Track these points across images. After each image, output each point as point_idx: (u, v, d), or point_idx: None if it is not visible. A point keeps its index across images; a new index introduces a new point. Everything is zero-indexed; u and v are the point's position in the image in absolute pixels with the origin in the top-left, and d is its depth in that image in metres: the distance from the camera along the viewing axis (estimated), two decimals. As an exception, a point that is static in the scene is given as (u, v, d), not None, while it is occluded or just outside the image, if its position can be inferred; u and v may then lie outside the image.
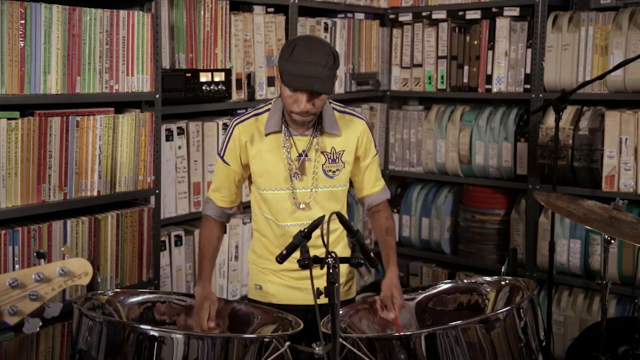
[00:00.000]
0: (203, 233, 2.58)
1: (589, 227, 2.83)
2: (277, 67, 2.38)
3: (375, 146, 2.59)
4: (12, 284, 1.58)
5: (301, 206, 2.46)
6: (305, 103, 2.30)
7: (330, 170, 2.48)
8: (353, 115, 2.53)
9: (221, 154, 2.52)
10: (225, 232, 2.68)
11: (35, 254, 1.65)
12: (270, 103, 2.49)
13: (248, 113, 2.52)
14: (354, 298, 2.70)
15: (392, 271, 2.51)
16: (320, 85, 2.28)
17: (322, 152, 2.47)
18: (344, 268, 2.59)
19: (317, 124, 2.45)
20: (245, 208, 3.68)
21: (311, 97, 2.31)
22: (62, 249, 1.60)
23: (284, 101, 2.36)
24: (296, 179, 2.45)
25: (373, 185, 2.61)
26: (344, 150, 2.49)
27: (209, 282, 2.49)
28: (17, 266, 1.67)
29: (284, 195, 2.47)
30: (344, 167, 2.50)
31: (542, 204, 3.09)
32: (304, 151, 2.45)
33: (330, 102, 2.50)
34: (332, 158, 2.48)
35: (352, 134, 2.50)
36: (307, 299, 2.47)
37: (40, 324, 1.63)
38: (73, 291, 2.87)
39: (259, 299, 2.59)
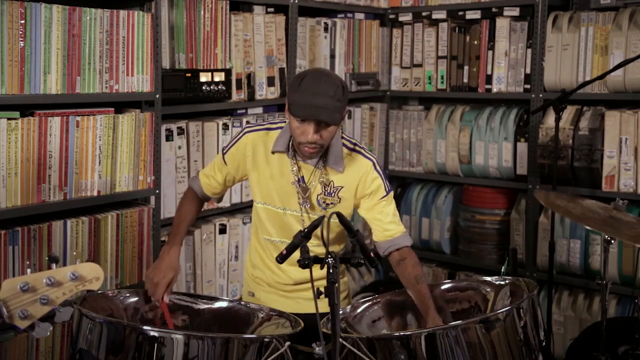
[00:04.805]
0: (185, 202, 2.64)
1: (587, 227, 2.83)
2: (286, 99, 2.38)
3: (387, 189, 2.49)
4: (24, 287, 1.58)
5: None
6: (313, 134, 2.28)
7: (324, 202, 2.47)
8: (360, 153, 2.48)
9: (224, 152, 2.55)
10: (203, 206, 2.74)
11: (47, 258, 1.66)
12: (285, 122, 2.49)
13: (262, 124, 2.53)
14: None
15: (432, 321, 2.35)
16: (327, 116, 2.26)
17: (321, 184, 2.46)
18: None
19: (322, 156, 2.44)
20: (244, 208, 3.69)
21: (318, 127, 2.28)
22: (74, 253, 1.63)
23: (292, 132, 2.35)
24: (305, 206, 2.46)
25: (385, 229, 2.49)
26: (342, 187, 2.46)
27: (180, 245, 2.55)
28: (28, 270, 1.67)
29: (286, 215, 2.49)
30: (339, 202, 2.47)
31: (542, 203, 3.09)
32: (302, 177, 2.45)
33: (342, 137, 2.48)
34: (328, 191, 2.46)
35: (355, 173, 2.46)
36: (298, 307, 2.52)
37: (51, 328, 1.63)
38: (73, 291, 2.87)
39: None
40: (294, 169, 2.44)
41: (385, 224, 2.49)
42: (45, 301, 1.60)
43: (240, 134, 2.52)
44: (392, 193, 2.53)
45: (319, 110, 2.25)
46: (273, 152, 2.45)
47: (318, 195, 2.46)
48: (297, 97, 2.28)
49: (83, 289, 1.64)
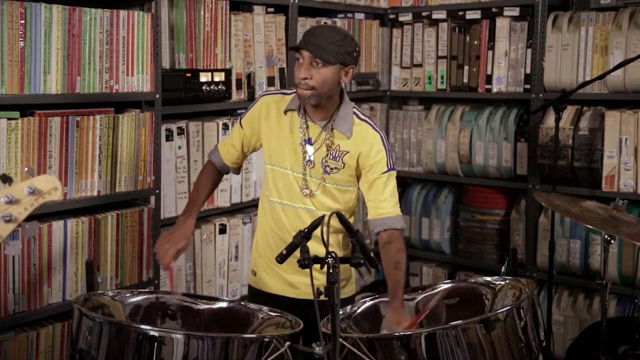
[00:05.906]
0: (203, 174, 2.73)
1: (587, 225, 2.84)
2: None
3: (390, 165, 2.50)
4: None
5: (304, 192, 2.51)
6: (304, 70, 2.37)
7: (328, 166, 2.50)
8: (370, 125, 2.53)
9: (241, 118, 2.65)
10: (221, 180, 2.81)
11: None
12: None
13: (279, 90, 2.67)
14: (353, 297, 2.71)
15: (395, 308, 2.42)
16: (318, 50, 2.35)
17: (326, 146, 2.49)
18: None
19: (331, 119, 2.49)
20: (244, 208, 3.68)
21: (311, 65, 2.37)
22: (26, 168, 1.60)
23: (294, 75, 2.45)
24: (309, 166, 2.50)
25: (378, 207, 2.49)
26: (347, 152, 2.49)
27: (195, 217, 2.63)
28: None
29: (290, 176, 2.52)
30: (343, 167, 2.50)
31: (542, 204, 3.09)
32: (310, 138, 2.49)
33: (354, 107, 2.54)
34: (333, 155, 2.50)
35: (362, 141, 2.49)
36: (296, 292, 2.56)
37: (39, 225, 1.61)
38: (73, 291, 2.87)
39: (252, 284, 2.70)
40: (303, 127, 2.49)
41: (380, 201, 2.50)
42: (9, 219, 1.59)
43: (258, 99, 2.62)
44: (394, 172, 2.53)
45: (313, 44, 2.36)
46: (285, 112, 2.52)
47: (323, 157, 2.50)
48: (302, 36, 2.47)
49: (43, 201, 1.63)
